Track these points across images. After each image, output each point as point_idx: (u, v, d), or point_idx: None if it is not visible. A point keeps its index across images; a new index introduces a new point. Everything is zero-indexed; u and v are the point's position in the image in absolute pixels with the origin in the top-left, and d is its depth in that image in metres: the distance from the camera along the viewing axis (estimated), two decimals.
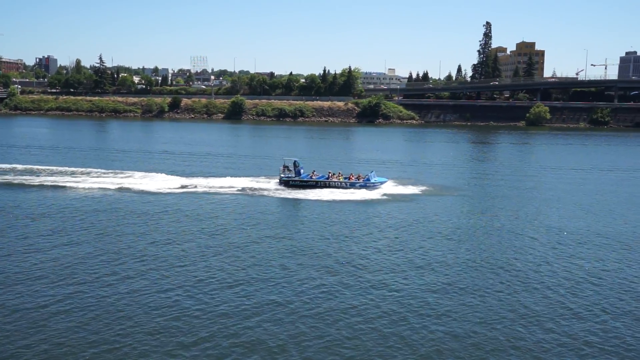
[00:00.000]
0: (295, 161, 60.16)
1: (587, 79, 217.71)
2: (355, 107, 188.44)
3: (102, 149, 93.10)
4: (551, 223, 44.91)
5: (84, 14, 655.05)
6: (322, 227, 42.03)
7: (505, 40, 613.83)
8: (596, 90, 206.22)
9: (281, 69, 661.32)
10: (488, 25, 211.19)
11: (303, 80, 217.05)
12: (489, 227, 43.49)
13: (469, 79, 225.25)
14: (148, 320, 25.27)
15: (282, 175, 59.30)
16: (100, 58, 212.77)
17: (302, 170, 59.67)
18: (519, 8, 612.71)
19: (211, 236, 38.75)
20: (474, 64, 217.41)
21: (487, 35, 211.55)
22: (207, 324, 25.10)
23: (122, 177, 61.60)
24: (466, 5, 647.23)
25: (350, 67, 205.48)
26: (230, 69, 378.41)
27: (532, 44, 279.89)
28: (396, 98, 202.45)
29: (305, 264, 33.23)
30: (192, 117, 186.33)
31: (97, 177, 61.84)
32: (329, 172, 60.25)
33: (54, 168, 66.52)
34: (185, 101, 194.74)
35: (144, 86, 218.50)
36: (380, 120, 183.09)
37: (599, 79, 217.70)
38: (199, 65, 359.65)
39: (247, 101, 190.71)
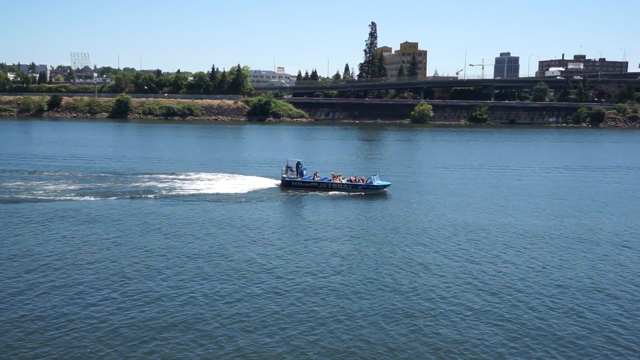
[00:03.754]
0: (298, 162, 59.86)
1: (466, 78, 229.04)
2: (245, 106, 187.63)
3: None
4: (448, 217, 46.97)
5: None
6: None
7: (390, 40, 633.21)
8: (475, 89, 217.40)
9: (168, 67, 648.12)
10: (373, 25, 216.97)
11: (191, 78, 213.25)
12: (382, 224, 44.74)
13: (356, 78, 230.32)
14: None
15: (284, 176, 58.83)
16: None
17: (305, 172, 59.45)
18: (402, 9, 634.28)
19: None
20: (361, 63, 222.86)
21: (373, 35, 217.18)
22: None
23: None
24: (352, 6, 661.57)
25: (239, 65, 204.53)
26: (114, 66, 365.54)
27: (415, 44, 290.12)
28: (286, 96, 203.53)
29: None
30: (74, 117, 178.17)
31: None
32: (332, 174, 59.89)
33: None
34: (66, 99, 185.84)
35: (20, 84, 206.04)
36: (270, 118, 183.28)
37: (477, 78, 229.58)
38: (80, 62, 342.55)
39: (133, 99, 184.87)
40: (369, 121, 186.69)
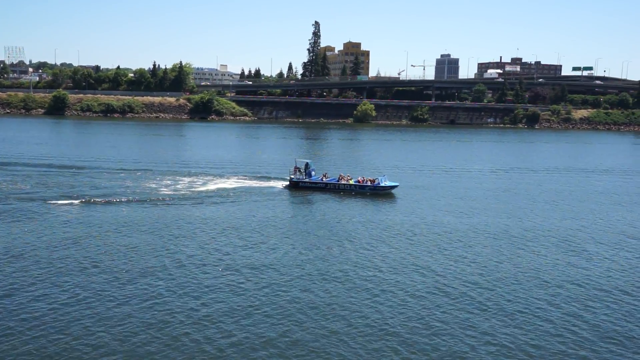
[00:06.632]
0: (307, 163, 59.82)
1: (407, 78, 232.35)
2: (188, 103, 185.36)
3: None
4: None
5: None
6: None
7: (334, 39, 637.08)
8: (416, 89, 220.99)
9: (107, 63, 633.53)
10: (317, 24, 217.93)
11: (132, 74, 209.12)
12: (320, 224, 44.95)
13: (300, 77, 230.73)
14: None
15: (292, 177, 58.56)
16: None
17: (313, 172, 59.41)
18: (345, 9, 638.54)
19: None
20: (304, 62, 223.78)
21: (316, 35, 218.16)
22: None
23: None
24: (295, 4, 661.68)
25: (181, 62, 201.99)
26: (50, 61, 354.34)
27: (358, 44, 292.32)
28: (229, 94, 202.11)
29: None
30: (8, 113, 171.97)
31: None
32: (340, 175, 59.64)
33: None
34: None
35: None
36: (213, 116, 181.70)
37: (418, 79, 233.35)
38: (14, 57, 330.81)
39: (70, 96, 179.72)
40: (312, 120, 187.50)
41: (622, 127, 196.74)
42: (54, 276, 29.96)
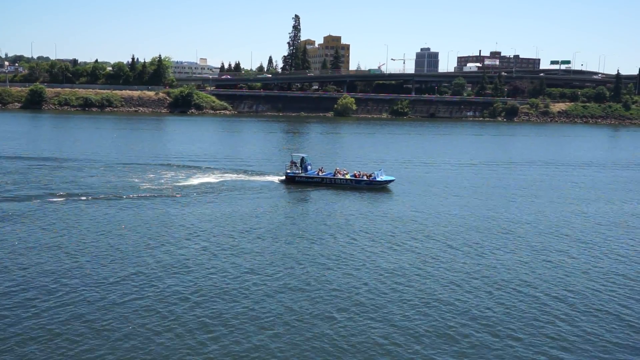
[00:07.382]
0: (303, 157, 59.42)
1: (388, 72, 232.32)
2: (167, 97, 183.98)
3: None
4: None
5: None
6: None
7: (314, 33, 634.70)
8: (396, 83, 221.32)
9: (85, 56, 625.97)
10: (297, 18, 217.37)
11: (110, 68, 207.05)
12: (307, 219, 44.97)
13: (280, 70, 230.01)
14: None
15: (288, 171, 58.33)
16: None
17: (309, 167, 59.17)
18: (326, 2, 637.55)
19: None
20: (284, 56, 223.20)
21: (297, 28, 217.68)
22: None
23: None
24: None
25: (160, 55, 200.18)
26: (27, 54, 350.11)
27: (339, 38, 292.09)
28: (209, 88, 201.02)
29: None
30: None
31: None
32: (336, 169, 59.33)
33: None
34: None
35: None
36: (193, 110, 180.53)
37: (398, 72, 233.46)
38: None
39: (47, 89, 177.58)
40: (293, 114, 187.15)
41: (599, 120, 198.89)
42: (41, 276, 29.60)
